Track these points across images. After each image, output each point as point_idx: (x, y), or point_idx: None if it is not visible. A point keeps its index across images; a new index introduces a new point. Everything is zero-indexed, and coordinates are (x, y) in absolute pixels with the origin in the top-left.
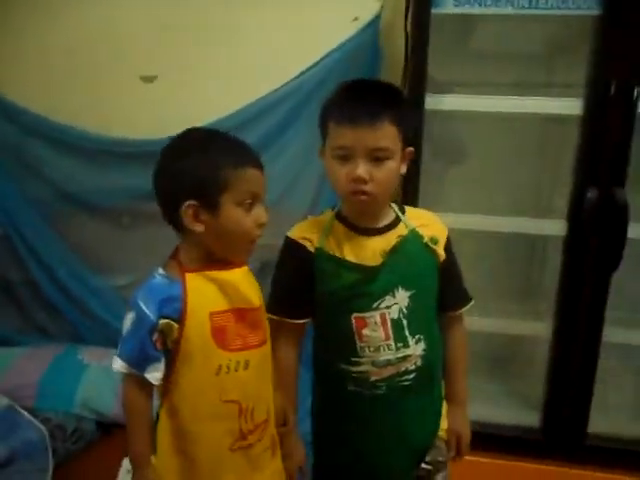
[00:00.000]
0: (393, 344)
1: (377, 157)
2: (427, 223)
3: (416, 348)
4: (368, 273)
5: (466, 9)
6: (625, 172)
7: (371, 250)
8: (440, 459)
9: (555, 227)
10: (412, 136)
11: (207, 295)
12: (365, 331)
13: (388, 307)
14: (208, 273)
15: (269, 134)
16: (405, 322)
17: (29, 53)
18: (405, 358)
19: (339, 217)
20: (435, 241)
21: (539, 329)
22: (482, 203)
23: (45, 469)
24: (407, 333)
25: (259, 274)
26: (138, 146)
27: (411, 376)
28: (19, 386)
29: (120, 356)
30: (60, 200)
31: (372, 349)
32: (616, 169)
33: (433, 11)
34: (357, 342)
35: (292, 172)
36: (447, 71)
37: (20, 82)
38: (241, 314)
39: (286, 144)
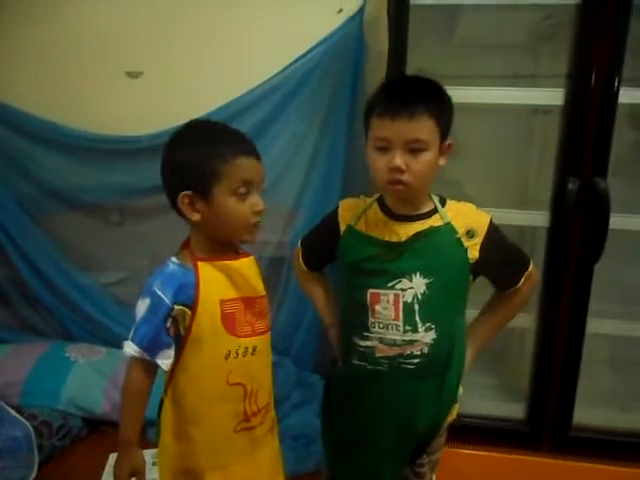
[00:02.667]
0: (402, 326)
1: (414, 149)
2: (466, 215)
3: (425, 335)
4: (389, 250)
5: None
6: (607, 162)
7: (398, 233)
8: (437, 455)
9: (539, 218)
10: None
11: (217, 283)
12: (377, 307)
13: (403, 290)
14: (218, 263)
15: (256, 128)
16: (417, 307)
17: (14, 50)
18: (411, 342)
19: (380, 202)
20: (472, 234)
21: (527, 321)
22: (468, 195)
23: (30, 465)
24: (417, 319)
25: (267, 270)
26: (125, 143)
27: (415, 361)
28: (5, 384)
29: (133, 340)
30: (47, 198)
31: (381, 326)
32: (597, 159)
33: (412, 2)
34: (369, 317)
35: (277, 169)
36: (432, 63)
37: (6, 80)
38: (249, 302)
39: (273, 137)
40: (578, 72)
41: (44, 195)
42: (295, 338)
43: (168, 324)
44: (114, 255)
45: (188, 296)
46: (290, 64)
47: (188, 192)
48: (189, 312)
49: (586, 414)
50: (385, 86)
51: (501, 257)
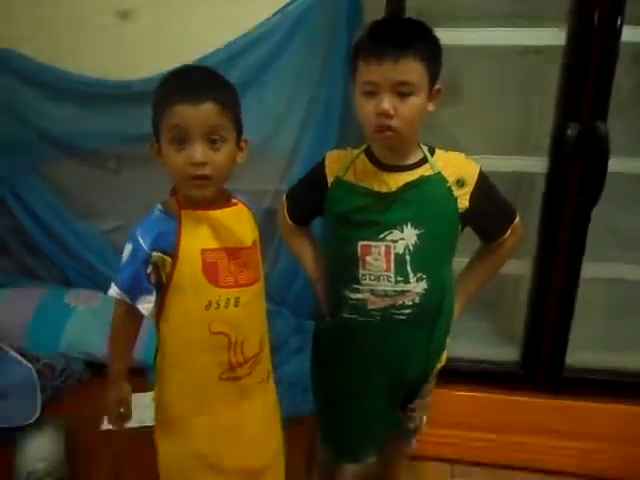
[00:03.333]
0: (393, 277)
1: (402, 92)
2: (456, 165)
3: (416, 286)
4: (379, 201)
5: None
6: (607, 105)
7: (388, 184)
8: (427, 400)
9: (538, 164)
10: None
11: (200, 232)
12: (368, 258)
13: (394, 241)
14: (200, 212)
15: (249, 73)
16: (409, 258)
17: None
18: (403, 293)
19: (367, 152)
20: (462, 183)
21: (522, 268)
22: (463, 142)
23: (34, 405)
24: (409, 269)
25: (264, 220)
26: (121, 87)
27: (407, 311)
28: (7, 327)
29: (116, 283)
30: (44, 144)
31: (372, 277)
32: (598, 102)
33: None
34: (360, 269)
35: (276, 112)
36: (430, 2)
37: (4, 23)
38: (233, 253)
39: (267, 84)
40: (580, 10)
41: (42, 142)
42: (292, 287)
43: (148, 270)
44: (112, 202)
45: (168, 243)
46: (286, 5)
47: (153, 139)
48: (169, 259)
49: (580, 356)
50: (371, 28)
51: (490, 207)
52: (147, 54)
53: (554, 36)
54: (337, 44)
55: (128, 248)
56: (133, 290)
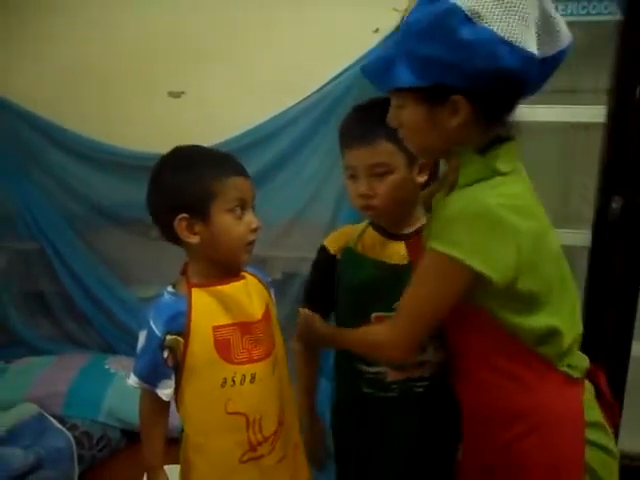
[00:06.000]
0: None
1: (377, 173)
2: None
3: (434, 355)
4: (391, 272)
5: None
6: None
7: (397, 252)
8: None
9: (580, 237)
10: None
11: (210, 309)
12: None
13: None
14: (211, 288)
15: (290, 148)
16: None
17: (62, 68)
18: (421, 364)
19: (373, 224)
20: None
21: None
22: None
23: (71, 476)
24: (426, 339)
25: (282, 285)
26: None
27: (425, 383)
28: (48, 394)
29: (134, 372)
30: (91, 214)
31: None
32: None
33: None
34: None
35: (313, 186)
36: None
37: (52, 97)
38: (245, 328)
39: (307, 158)
40: (620, 87)
41: (89, 211)
42: None
43: (165, 354)
44: (153, 270)
45: (180, 325)
46: (326, 83)
47: (185, 215)
48: (182, 341)
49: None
50: (349, 113)
51: None
52: (192, 131)
53: (594, 113)
54: None
55: (142, 335)
56: (151, 377)
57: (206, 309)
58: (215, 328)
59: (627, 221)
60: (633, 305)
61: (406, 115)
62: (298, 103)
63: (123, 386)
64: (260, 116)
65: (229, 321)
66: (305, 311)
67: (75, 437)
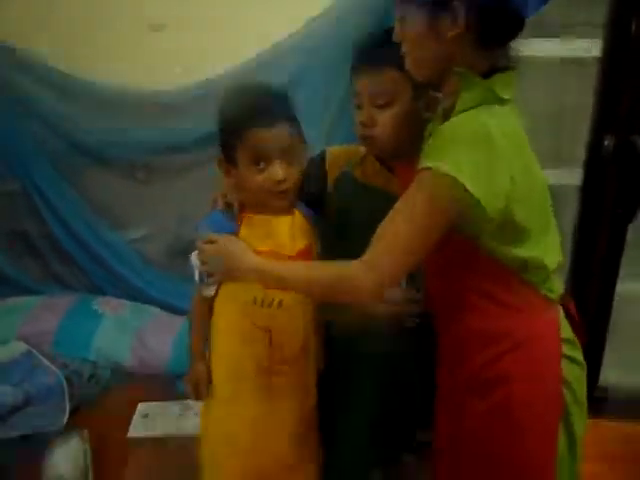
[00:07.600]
0: (404, 283)
1: (380, 102)
2: None
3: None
4: (393, 202)
5: None
6: None
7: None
8: None
9: (572, 177)
10: None
11: (255, 234)
12: None
13: None
14: (259, 216)
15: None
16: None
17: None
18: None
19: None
20: None
21: None
22: None
23: (62, 412)
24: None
25: None
26: (152, 97)
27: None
28: (37, 332)
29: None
30: (76, 154)
31: None
32: (635, 116)
33: None
34: None
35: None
36: None
37: (34, 32)
38: (280, 258)
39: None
40: (617, 21)
41: (73, 152)
42: None
43: None
44: (140, 212)
45: None
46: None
47: (221, 156)
48: None
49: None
50: (357, 42)
51: None
52: (176, 66)
53: (589, 47)
54: None
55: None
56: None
57: (251, 233)
58: (254, 251)
59: (619, 160)
60: (621, 242)
61: (408, 25)
62: (285, 39)
63: (111, 327)
64: (245, 53)
65: (266, 248)
66: (220, 236)
67: (65, 375)
